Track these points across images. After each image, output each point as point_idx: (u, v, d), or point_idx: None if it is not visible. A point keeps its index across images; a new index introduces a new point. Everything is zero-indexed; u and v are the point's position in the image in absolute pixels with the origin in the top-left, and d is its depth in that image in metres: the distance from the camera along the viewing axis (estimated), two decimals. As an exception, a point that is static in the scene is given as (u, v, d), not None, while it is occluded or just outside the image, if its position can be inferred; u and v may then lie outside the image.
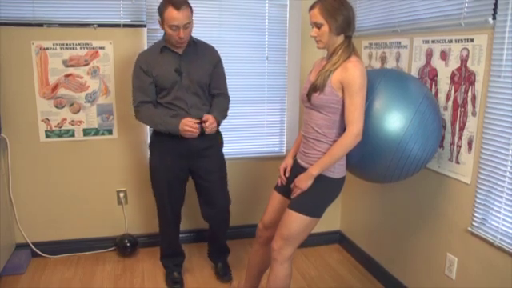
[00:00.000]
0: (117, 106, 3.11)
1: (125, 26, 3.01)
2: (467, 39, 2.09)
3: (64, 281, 2.89)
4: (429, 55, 2.35)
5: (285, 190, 2.26)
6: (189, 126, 2.43)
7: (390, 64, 2.70)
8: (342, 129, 2.02)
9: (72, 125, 3.07)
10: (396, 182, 2.20)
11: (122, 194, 3.25)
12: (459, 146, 2.18)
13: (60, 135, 3.07)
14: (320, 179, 2.06)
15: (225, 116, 2.65)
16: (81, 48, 2.98)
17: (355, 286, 2.90)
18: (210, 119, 2.47)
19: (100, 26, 2.98)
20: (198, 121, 2.47)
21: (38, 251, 3.16)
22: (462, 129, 2.16)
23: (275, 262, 2.16)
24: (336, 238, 3.52)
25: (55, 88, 2.99)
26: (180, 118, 2.47)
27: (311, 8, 2.00)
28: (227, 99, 2.71)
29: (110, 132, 3.15)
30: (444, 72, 2.25)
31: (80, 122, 3.08)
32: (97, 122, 3.11)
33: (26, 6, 2.83)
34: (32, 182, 3.08)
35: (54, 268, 3.05)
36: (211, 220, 2.80)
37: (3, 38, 2.85)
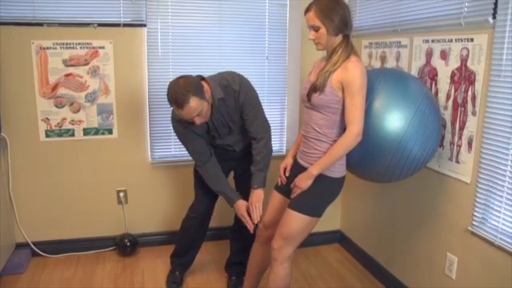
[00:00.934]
0: (117, 106, 3.11)
1: (125, 25, 3.01)
2: (467, 39, 2.09)
3: (64, 280, 2.89)
4: (429, 55, 2.35)
5: (285, 189, 2.26)
6: (244, 216, 2.47)
7: (390, 63, 2.70)
8: (343, 128, 2.02)
9: (72, 124, 3.07)
10: (396, 181, 2.20)
11: (122, 194, 3.25)
12: (459, 146, 2.18)
13: (60, 135, 3.07)
14: (320, 179, 2.06)
15: (269, 161, 2.57)
16: (81, 47, 2.98)
17: (355, 286, 2.90)
18: (258, 203, 2.47)
19: (100, 25, 2.98)
20: (250, 222, 2.45)
21: (38, 250, 3.16)
22: (462, 128, 2.16)
23: (275, 262, 2.16)
24: (336, 237, 3.52)
25: (55, 87, 2.99)
26: (237, 198, 2.52)
27: (306, 11, 1.98)
28: (269, 141, 2.55)
29: (110, 131, 3.15)
30: (444, 71, 2.25)
31: (80, 121, 3.08)
32: (97, 122, 3.11)
33: (26, 5, 2.83)
34: (32, 181, 3.08)
35: (54, 267, 3.05)
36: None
37: (3, 37, 2.85)
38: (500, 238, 1.98)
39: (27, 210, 3.11)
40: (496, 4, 1.91)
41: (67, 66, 2.98)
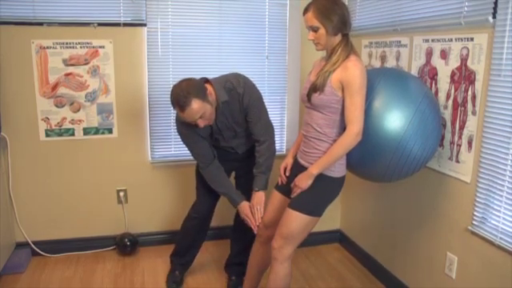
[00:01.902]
0: (117, 105, 3.11)
1: (125, 24, 3.01)
2: (467, 38, 2.09)
3: (64, 280, 2.89)
4: (429, 54, 2.35)
5: (285, 189, 2.26)
6: (248, 217, 2.47)
7: (390, 63, 2.70)
8: (343, 128, 2.01)
9: (72, 124, 3.07)
10: (396, 181, 2.20)
11: (122, 193, 3.25)
12: (459, 145, 2.18)
13: (60, 134, 3.07)
14: (320, 178, 2.06)
15: (272, 163, 2.57)
16: (81, 47, 2.98)
17: (355, 285, 2.90)
18: (259, 205, 2.47)
19: (100, 24, 2.98)
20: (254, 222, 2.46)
21: (38, 250, 3.16)
22: (462, 128, 2.16)
23: (275, 261, 2.16)
24: (336, 237, 3.52)
25: (55, 87, 2.99)
26: (241, 199, 2.51)
27: (305, 12, 1.98)
28: (272, 143, 2.54)
29: (110, 131, 3.15)
30: (444, 71, 2.25)
31: (80, 121, 3.08)
32: (97, 121, 3.11)
33: (26, 4, 2.83)
34: (32, 181, 3.08)
35: (54, 267, 3.05)
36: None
37: (3, 36, 2.85)
38: (500, 238, 1.98)
39: (27, 210, 3.11)
40: (496, 3, 1.91)
41: (67, 65, 2.98)
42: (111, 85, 3.08)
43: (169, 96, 3.10)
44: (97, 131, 3.12)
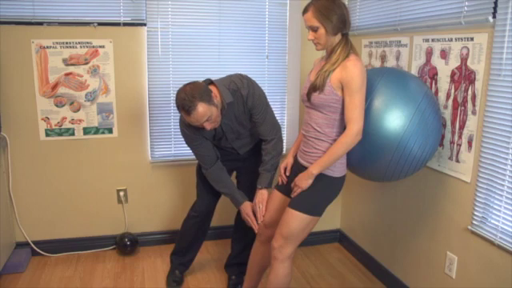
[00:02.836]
0: (117, 105, 3.11)
1: (125, 24, 3.01)
2: (467, 38, 2.09)
3: (64, 279, 2.89)
4: (429, 54, 2.35)
5: (285, 188, 2.26)
6: (251, 219, 2.46)
7: (390, 63, 2.70)
8: (342, 128, 2.02)
9: (72, 123, 3.07)
10: (396, 180, 2.21)
11: (122, 193, 3.25)
12: (459, 145, 2.18)
13: (60, 134, 3.07)
14: (320, 178, 2.06)
15: (278, 162, 2.55)
16: (81, 47, 2.98)
17: (355, 285, 2.91)
18: (262, 203, 2.45)
19: (100, 24, 2.98)
20: (255, 222, 2.45)
21: (38, 250, 3.16)
22: (462, 127, 2.16)
23: (275, 261, 2.17)
24: (336, 236, 3.52)
25: (55, 87, 2.99)
26: (243, 199, 2.51)
27: (304, 12, 1.98)
28: (279, 141, 2.52)
29: (110, 131, 3.15)
30: (444, 71, 2.25)
31: (80, 120, 3.08)
32: (97, 121, 3.11)
33: (25, 4, 2.83)
34: (32, 180, 3.08)
35: (54, 266, 3.05)
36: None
37: (3, 36, 2.85)
38: (500, 237, 1.98)
39: (27, 209, 3.11)
40: (496, 3, 1.91)
41: (67, 65, 2.98)
42: (111, 84, 3.08)
43: (169, 95, 3.15)
44: (97, 131, 3.12)
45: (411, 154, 2.03)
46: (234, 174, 2.76)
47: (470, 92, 2.09)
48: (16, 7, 2.82)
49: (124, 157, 3.20)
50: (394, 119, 2.00)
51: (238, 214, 2.63)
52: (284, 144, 3.39)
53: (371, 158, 2.08)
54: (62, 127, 3.06)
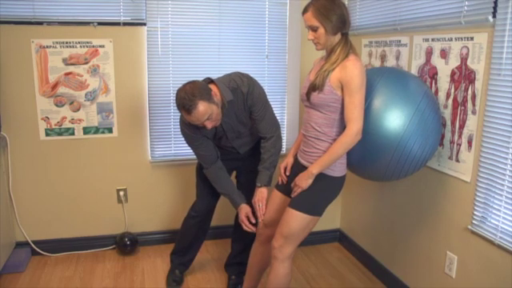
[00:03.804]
0: (117, 105, 3.11)
1: (125, 24, 3.01)
2: (467, 37, 2.09)
3: (64, 279, 2.89)
4: (429, 53, 2.35)
5: (285, 188, 2.26)
6: (245, 224, 2.47)
7: (390, 62, 2.70)
8: (342, 127, 2.02)
9: (72, 123, 3.07)
10: (396, 180, 2.21)
11: (122, 193, 3.25)
12: (459, 145, 2.18)
13: (60, 133, 3.07)
14: (320, 178, 2.06)
15: (277, 160, 2.55)
16: (81, 46, 2.98)
17: (355, 284, 2.91)
18: (261, 202, 2.44)
19: (100, 24, 2.97)
20: (254, 221, 2.46)
21: (38, 249, 3.16)
22: (461, 127, 2.16)
23: (276, 261, 2.17)
24: (336, 236, 3.52)
25: (55, 86, 2.99)
26: (241, 201, 2.51)
27: (304, 11, 1.98)
28: (278, 139, 2.52)
29: (110, 130, 3.15)
30: (444, 70, 2.25)
31: (80, 120, 3.08)
32: (97, 121, 3.11)
33: (25, 4, 2.83)
34: (32, 180, 3.08)
35: (53, 266, 3.05)
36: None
37: (3, 36, 2.84)
38: (500, 237, 1.98)
39: (27, 209, 3.11)
40: (496, 3, 1.91)
41: (67, 64, 2.98)
42: (111, 84, 3.08)
43: (169, 95, 3.15)
44: (97, 130, 3.12)
45: (411, 154, 2.03)
46: (234, 173, 2.76)
47: (469, 92, 2.09)
48: (16, 7, 2.82)
49: (124, 156, 3.20)
50: (394, 119, 2.00)
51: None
52: (284, 144, 3.42)
53: (371, 157, 2.08)
54: (62, 127, 3.06)
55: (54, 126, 3.04)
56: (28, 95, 2.96)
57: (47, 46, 2.93)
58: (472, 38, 2.06)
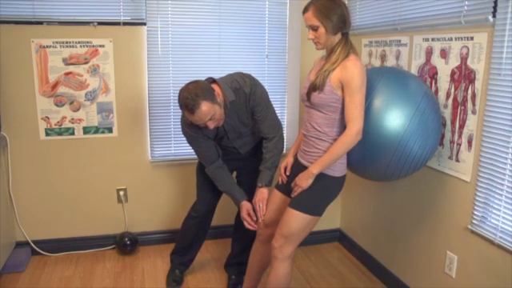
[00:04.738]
0: (117, 104, 3.11)
1: (125, 24, 3.01)
2: (467, 37, 2.09)
3: (64, 279, 2.89)
4: (429, 53, 2.35)
5: (286, 188, 2.26)
6: (247, 221, 2.46)
7: (390, 62, 2.70)
8: (343, 127, 2.01)
9: (72, 123, 3.07)
10: (396, 180, 2.21)
11: (122, 192, 3.25)
12: (459, 144, 2.18)
13: (60, 133, 3.07)
14: (321, 178, 2.06)
15: (278, 160, 2.54)
16: (81, 46, 2.98)
17: (355, 284, 2.91)
18: (262, 202, 2.44)
19: (100, 23, 2.97)
20: (255, 219, 2.46)
21: (38, 249, 3.16)
22: (461, 127, 2.16)
23: (276, 260, 2.17)
24: (336, 236, 3.52)
25: (55, 86, 2.99)
26: (242, 199, 2.50)
27: (305, 11, 1.98)
28: (280, 139, 2.52)
29: (110, 130, 3.15)
30: (444, 70, 2.25)
31: (80, 120, 3.08)
32: (97, 120, 3.11)
33: (25, 3, 2.83)
34: (32, 180, 3.08)
35: (53, 266, 3.05)
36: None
37: (3, 35, 2.84)
38: (500, 237, 1.98)
39: (27, 209, 3.11)
40: (496, 3, 1.91)
41: (67, 64, 2.98)
42: (111, 84, 3.08)
43: (169, 95, 3.16)
44: (97, 130, 3.12)
45: (411, 154, 2.03)
46: (235, 173, 2.76)
47: (469, 91, 2.09)
48: (16, 6, 2.82)
49: (124, 156, 3.20)
50: (394, 119, 2.00)
51: (238, 213, 2.63)
52: (284, 143, 3.41)
53: (371, 157, 2.08)
54: (62, 127, 3.06)
55: (53, 126, 3.04)
56: (28, 95, 2.96)
57: (47, 46, 2.93)
58: (472, 38, 2.06)
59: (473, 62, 2.06)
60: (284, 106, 3.40)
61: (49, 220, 3.17)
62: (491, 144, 1.99)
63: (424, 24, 2.37)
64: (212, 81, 2.35)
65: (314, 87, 2.00)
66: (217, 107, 2.21)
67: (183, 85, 2.23)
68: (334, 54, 1.99)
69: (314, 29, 1.97)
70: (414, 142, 2.01)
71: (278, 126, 2.52)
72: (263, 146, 2.52)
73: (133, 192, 3.28)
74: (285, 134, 3.39)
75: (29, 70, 2.93)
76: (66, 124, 3.06)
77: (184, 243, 2.81)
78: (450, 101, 2.22)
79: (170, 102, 3.17)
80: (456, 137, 2.20)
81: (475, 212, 2.11)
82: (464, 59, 2.11)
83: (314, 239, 3.27)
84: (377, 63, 2.84)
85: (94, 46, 3.00)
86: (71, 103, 3.04)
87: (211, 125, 2.23)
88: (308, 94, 2.04)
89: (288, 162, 2.30)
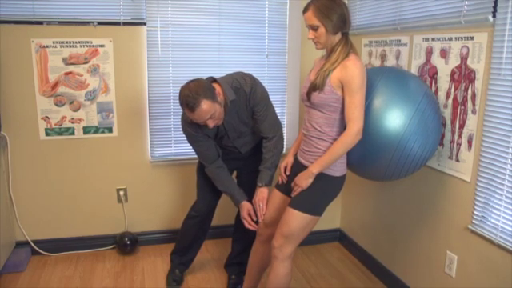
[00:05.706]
0: (117, 104, 3.11)
1: (125, 23, 3.01)
2: (467, 37, 2.09)
3: (64, 279, 2.89)
4: (429, 53, 2.35)
5: (286, 188, 2.26)
6: (248, 221, 2.47)
7: (390, 62, 2.70)
8: (343, 127, 2.02)
9: (72, 123, 3.07)
10: (396, 180, 2.21)
11: (121, 192, 3.25)
12: (459, 144, 2.18)
13: (60, 133, 3.07)
14: (321, 177, 2.06)
15: (278, 160, 2.54)
16: (81, 46, 2.98)
17: (355, 284, 2.91)
18: (261, 202, 2.44)
19: (100, 23, 2.97)
20: (255, 219, 2.46)
21: (38, 249, 3.16)
22: (461, 127, 2.16)
23: (276, 260, 2.17)
24: (336, 235, 3.52)
25: (55, 86, 2.99)
26: (242, 199, 2.51)
27: (305, 11, 1.98)
28: (280, 139, 2.52)
29: (110, 130, 3.15)
30: (444, 70, 2.25)
31: (80, 119, 3.08)
32: (97, 120, 3.11)
33: (25, 3, 2.83)
34: (32, 180, 3.08)
35: (53, 266, 3.05)
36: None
37: (3, 35, 2.84)
38: (500, 237, 1.98)
39: (27, 209, 3.11)
40: (496, 2, 1.91)
41: (67, 64, 2.98)
42: (111, 84, 3.08)
43: (169, 94, 3.16)
44: (97, 130, 3.12)
45: (411, 154, 2.03)
46: (235, 173, 2.76)
47: (469, 91, 2.09)
48: (16, 6, 2.82)
49: (124, 156, 3.20)
50: (394, 119, 2.00)
51: (239, 213, 2.62)
52: (284, 143, 3.41)
53: (371, 157, 2.08)
54: (62, 126, 3.06)
55: (53, 126, 3.04)
56: (28, 95, 2.96)
57: (47, 46, 2.93)
58: (472, 38, 2.06)
59: (473, 61, 2.06)
60: (284, 106, 3.40)
61: (49, 220, 3.17)
62: (491, 144, 1.99)
63: (424, 24, 2.37)
64: (213, 80, 2.35)
65: (314, 87, 2.00)
66: (217, 106, 2.21)
67: (183, 84, 2.24)
68: (334, 53, 1.99)
69: (314, 28, 1.97)
70: (414, 141, 2.01)
71: (278, 125, 2.52)
72: (263, 145, 2.52)
73: (133, 192, 3.28)
74: (285, 134, 3.40)
75: (29, 69, 2.93)
76: (66, 124, 3.06)
77: (184, 243, 2.81)
78: (450, 101, 2.22)
79: (170, 102, 3.17)
80: (456, 137, 2.20)
81: (475, 212, 2.11)
82: (464, 59, 2.11)
83: (313, 239, 3.27)
84: (377, 63, 2.84)
85: (93, 46, 3.00)
86: (71, 103, 3.04)
87: (211, 123, 2.23)
88: (308, 94, 2.04)
89: (288, 161, 2.30)
